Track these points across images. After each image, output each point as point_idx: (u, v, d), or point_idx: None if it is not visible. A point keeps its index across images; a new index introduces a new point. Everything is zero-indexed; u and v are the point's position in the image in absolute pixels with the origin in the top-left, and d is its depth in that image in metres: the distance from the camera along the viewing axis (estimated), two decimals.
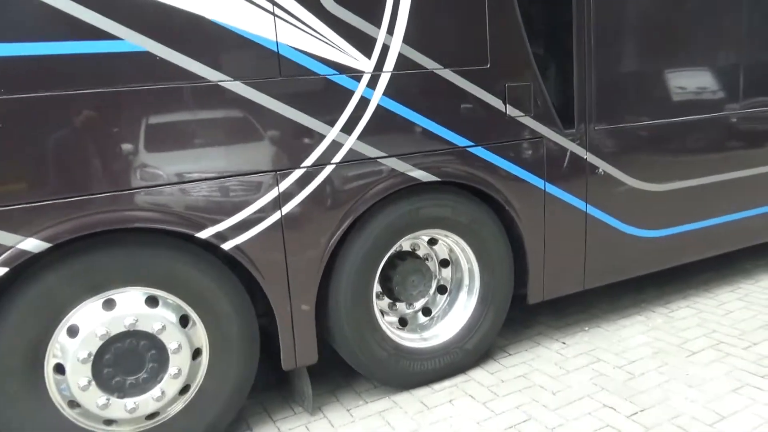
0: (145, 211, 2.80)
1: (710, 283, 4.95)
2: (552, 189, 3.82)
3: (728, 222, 4.58)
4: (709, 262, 4.86)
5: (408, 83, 3.29)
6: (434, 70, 3.34)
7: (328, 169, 3.15)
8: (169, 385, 2.99)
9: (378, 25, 3.14)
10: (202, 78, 2.82)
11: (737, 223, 4.63)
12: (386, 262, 3.54)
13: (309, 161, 3.10)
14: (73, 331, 2.81)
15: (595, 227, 4.03)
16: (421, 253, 3.77)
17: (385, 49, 3.18)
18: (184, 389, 3.07)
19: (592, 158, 3.92)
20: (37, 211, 2.60)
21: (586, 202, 3.96)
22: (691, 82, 4.33)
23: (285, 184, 3.06)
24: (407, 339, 3.67)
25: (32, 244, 2.61)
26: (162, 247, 2.92)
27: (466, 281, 3.80)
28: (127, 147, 2.75)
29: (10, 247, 2.58)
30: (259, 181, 3.01)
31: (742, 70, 4.42)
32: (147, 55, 2.70)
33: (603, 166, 3.97)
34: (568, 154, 3.84)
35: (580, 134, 3.86)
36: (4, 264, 2.58)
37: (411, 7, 3.21)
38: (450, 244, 3.72)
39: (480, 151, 3.54)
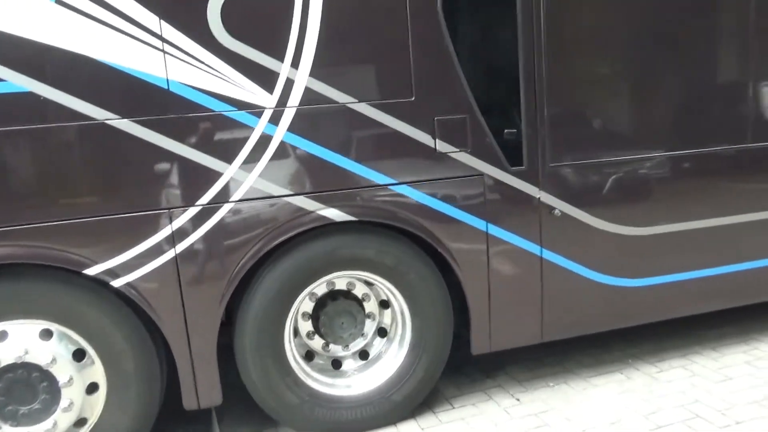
0: (30, 248, 2.71)
1: (723, 340, 4.11)
2: (496, 231, 3.32)
3: (733, 272, 3.76)
4: (737, 312, 4.01)
5: (316, 119, 2.99)
6: (347, 104, 3.00)
7: (226, 208, 2.92)
8: (61, 417, 2.88)
9: (280, 58, 2.88)
10: (89, 117, 2.70)
11: (745, 274, 3.79)
12: (318, 299, 3.23)
13: (204, 199, 2.89)
14: None
15: (554, 274, 3.45)
16: (358, 292, 3.41)
17: (289, 83, 2.91)
18: (80, 422, 2.95)
19: (546, 198, 3.37)
20: None
21: (541, 246, 3.40)
22: (670, 109, 3.62)
23: (179, 222, 2.87)
24: (326, 385, 3.32)
25: None
26: (58, 282, 2.82)
27: (398, 326, 3.39)
28: (13, 184, 2.68)
29: None
30: (151, 219, 2.84)
31: (742, 97, 3.64)
32: (30, 95, 2.62)
33: (561, 207, 3.40)
34: (516, 193, 3.32)
35: (530, 171, 3.33)
36: None
37: (319, 38, 2.91)
38: (379, 287, 3.33)
39: (404, 190, 3.15)
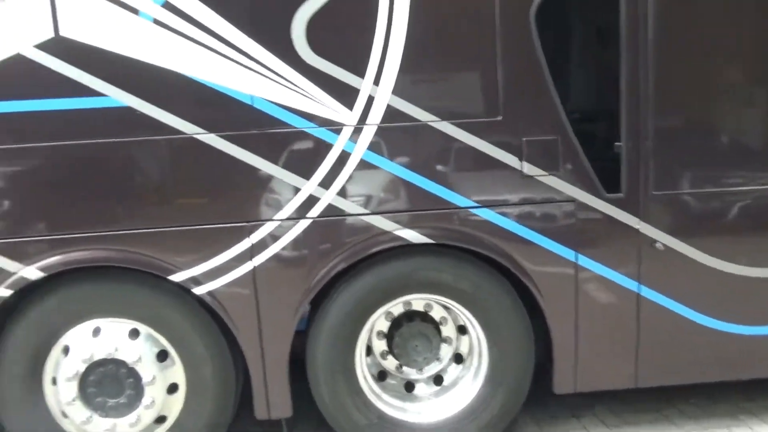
0: (123, 253, 2.84)
1: None
2: (587, 263, 3.00)
3: None
4: None
5: (397, 137, 2.87)
6: (429, 123, 2.85)
7: (302, 224, 2.88)
8: (143, 413, 3.00)
9: (362, 75, 2.79)
10: (179, 131, 2.78)
11: None
12: (395, 319, 3.14)
13: (282, 215, 2.87)
14: (66, 351, 2.97)
15: (653, 313, 3.06)
16: (436, 314, 3.24)
17: (370, 100, 2.81)
18: (160, 419, 3.06)
19: (647, 229, 2.99)
20: (34, 244, 2.80)
21: (638, 282, 3.03)
22: None
23: (257, 236, 2.87)
24: (396, 408, 3.19)
25: (31, 273, 2.82)
26: (147, 285, 2.94)
27: (474, 355, 3.18)
28: (110, 192, 2.82)
29: (13, 273, 2.82)
30: (231, 231, 2.87)
31: None
32: (128, 110, 2.74)
33: (664, 240, 3.00)
34: (612, 222, 2.98)
35: (630, 199, 2.97)
36: (9, 287, 2.83)
37: (403, 55, 2.78)
38: (456, 312, 3.14)
39: (486, 213, 2.93)
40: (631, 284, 3.03)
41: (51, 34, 2.67)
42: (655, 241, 2.99)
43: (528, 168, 2.90)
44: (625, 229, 2.98)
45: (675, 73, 2.89)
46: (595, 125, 3.16)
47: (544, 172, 2.91)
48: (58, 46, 2.67)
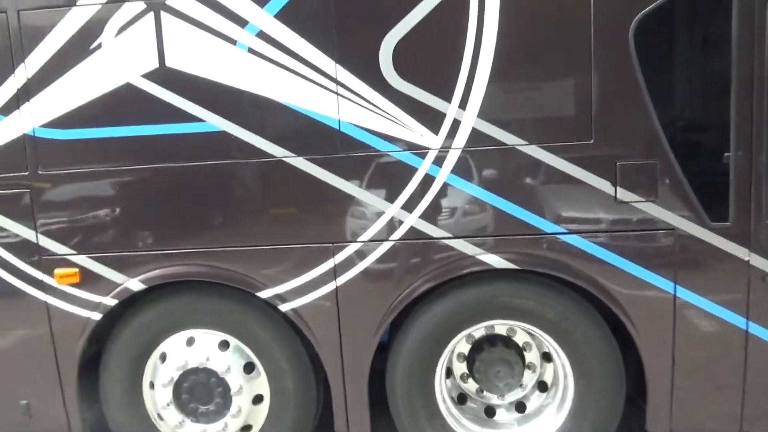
0: (215, 269, 2.96)
1: None
2: (688, 296, 2.76)
3: None
4: None
5: (482, 161, 2.79)
6: (516, 147, 2.74)
7: (385, 246, 2.87)
8: (230, 421, 3.11)
9: (448, 99, 2.73)
10: (269, 154, 2.85)
11: None
12: (476, 341, 3.06)
13: (366, 236, 2.87)
14: (163, 358, 3.14)
15: (764, 353, 2.76)
16: (519, 340, 3.12)
17: (456, 124, 2.75)
18: (246, 428, 3.15)
19: (759, 261, 2.71)
20: (138, 258, 2.98)
21: (747, 319, 2.75)
22: None
23: (340, 256, 2.89)
24: None
25: (134, 284, 3.01)
26: (237, 300, 3.05)
27: (560, 385, 3.02)
28: (206, 212, 2.95)
29: (119, 285, 3.02)
30: (316, 252, 2.91)
31: None
32: (223, 134, 2.85)
33: None
34: (717, 253, 2.72)
35: (739, 228, 2.70)
36: (115, 297, 3.03)
37: (489, 79, 2.70)
38: (541, 338, 3.00)
39: (576, 240, 2.78)
40: (738, 320, 2.76)
41: (156, 65, 2.82)
42: (767, 274, 2.70)
43: (622, 194, 2.72)
44: (732, 260, 2.72)
45: None
46: (701, 140, 2.90)
47: (640, 199, 2.71)
48: (163, 75, 2.82)
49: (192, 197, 2.93)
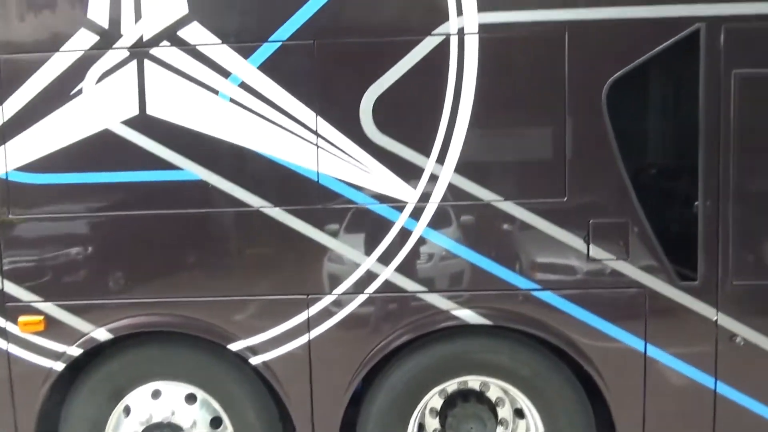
0: (185, 319, 2.88)
1: None
2: (658, 354, 2.78)
3: None
4: None
5: (459, 216, 2.81)
6: (492, 203, 2.77)
7: (360, 299, 2.84)
8: None
9: (426, 154, 2.77)
10: (246, 204, 2.83)
11: None
12: (449, 396, 3.00)
13: (341, 288, 2.84)
14: (127, 411, 3.00)
15: (732, 414, 2.78)
16: (492, 395, 3.07)
17: (433, 178, 2.78)
18: None
19: (726, 321, 2.74)
20: (105, 307, 2.89)
21: (715, 378, 2.77)
22: None
23: (315, 308, 2.85)
24: None
25: (101, 334, 2.90)
26: (206, 352, 2.95)
27: None
28: (177, 260, 2.89)
29: (85, 334, 2.91)
30: (290, 303, 2.86)
31: None
32: (201, 183, 2.83)
33: (746, 334, 2.74)
34: (686, 312, 2.76)
35: (707, 288, 2.74)
36: (80, 346, 2.91)
37: (466, 135, 2.75)
38: (514, 395, 2.96)
39: (549, 297, 2.79)
40: (706, 379, 2.77)
41: (137, 112, 2.81)
42: (735, 335, 2.73)
43: (594, 251, 2.75)
44: (701, 320, 2.75)
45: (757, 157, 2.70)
46: (671, 200, 2.97)
47: (611, 257, 2.75)
48: (143, 123, 2.80)
49: (165, 245, 2.88)
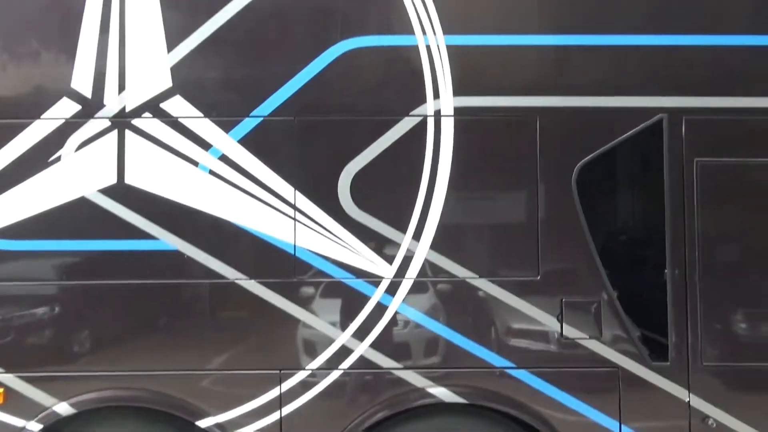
0: (152, 393, 2.78)
1: None
2: None
3: None
4: None
5: (434, 292, 2.81)
6: (467, 279, 2.79)
7: (334, 375, 2.78)
8: None
9: (403, 230, 2.79)
10: (222, 275, 2.79)
11: None
12: None
13: (315, 364, 2.79)
14: None
15: None
16: None
17: (409, 255, 2.79)
18: None
19: (698, 402, 2.75)
20: (69, 380, 2.78)
21: None
22: None
23: (287, 384, 2.78)
24: None
25: (63, 408, 2.77)
26: (174, 428, 2.84)
27: None
28: (146, 334, 2.83)
29: (46, 408, 2.77)
30: (262, 378, 2.79)
31: None
32: (177, 254, 2.80)
33: (717, 416, 2.74)
34: (659, 393, 2.76)
35: (678, 369, 2.76)
36: (40, 421, 2.77)
37: (443, 212, 2.79)
38: None
39: (524, 376, 2.77)
40: None
41: (115, 181, 2.80)
42: (707, 416, 2.73)
43: (568, 330, 2.76)
44: (673, 400, 2.75)
45: (724, 237, 2.78)
46: (641, 280, 3.02)
47: (584, 336, 2.76)
48: (121, 192, 2.79)
49: (136, 316, 2.81)
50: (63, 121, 2.83)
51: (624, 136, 2.81)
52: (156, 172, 2.81)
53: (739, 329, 2.81)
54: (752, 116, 2.82)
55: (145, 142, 2.83)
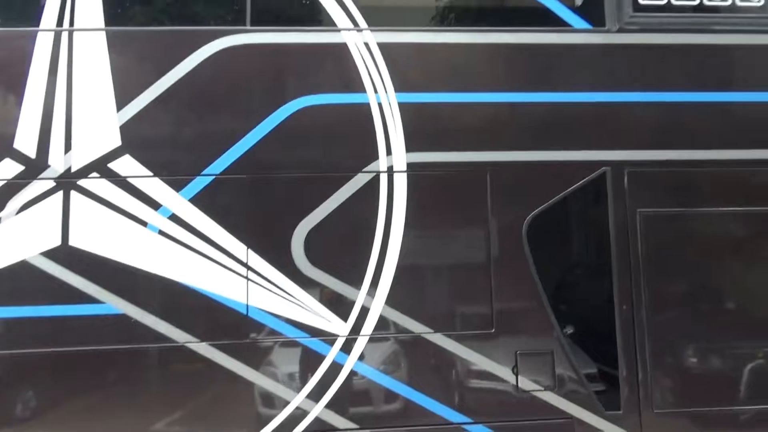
0: None
1: None
2: None
3: None
4: None
5: (389, 348, 2.78)
6: (422, 335, 2.77)
7: None
8: None
9: (357, 286, 2.77)
10: (171, 339, 2.70)
11: None
12: None
13: (269, 428, 2.70)
14: None
15: None
16: None
17: (364, 311, 2.77)
18: None
19: None
20: None
21: None
22: None
23: None
24: None
25: None
26: None
27: None
28: (88, 401, 2.69)
29: None
30: None
31: None
32: (123, 317, 2.69)
33: None
34: None
35: (630, 418, 2.79)
36: None
37: (397, 267, 2.79)
38: None
39: (481, 431, 2.74)
40: None
41: (59, 243, 2.70)
42: None
43: (523, 382, 2.77)
44: None
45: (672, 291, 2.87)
46: (591, 328, 3.08)
47: (539, 387, 2.77)
48: (65, 254, 2.69)
49: (80, 384, 2.68)
50: (4, 182, 2.72)
51: (571, 188, 2.89)
52: (102, 233, 2.72)
53: (688, 375, 2.87)
54: (689, 168, 2.95)
55: (91, 202, 2.75)
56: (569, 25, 3.00)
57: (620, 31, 2.99)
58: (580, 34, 3.00)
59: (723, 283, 2.96)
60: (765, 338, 2.93)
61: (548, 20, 2.99)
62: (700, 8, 3.03)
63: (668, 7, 3.02)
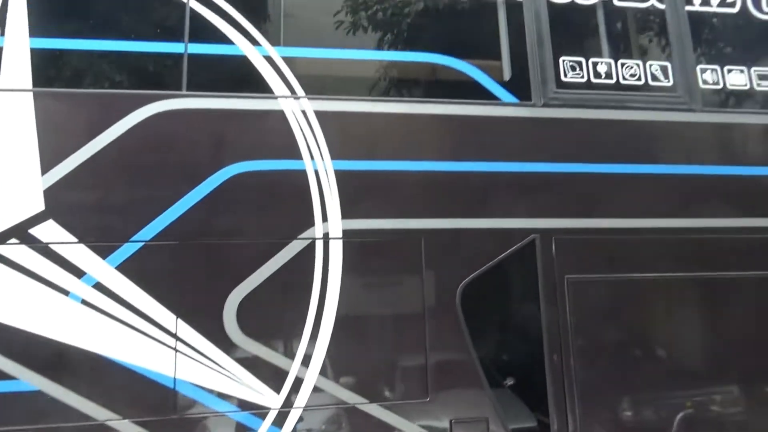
0: None
1: None
2: None
3: None
4: None
5: (324, 420, 2.71)
6: (357, 405, 2.72)
7: None
8: None
9: (291, 356, 2.71)
10: (90, 417, 2.53)
11: None
12: None
13: None
14: None
15: None
16: None
17: (298, 382, 2.70)
18: None
19: None
20: None
21: None
22: None
23: None
24: None
25: None
26: None
27: None
28: None
29: None
30: None
31: None
32: (39, 395, 2.51)
33: None
34: None
35: None
36: None
37: (332, 336, 2.75)
38: None
39: None
40: None
41: None
42: None
43: None
44: None
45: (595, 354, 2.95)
46: (519, 397, 3.11)
47: None
48: None
49: None
50: None
51: (502, 255, 2.97)
52: (17, 303, 2.56)
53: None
54: (614, 236, 3.09)
55: (7, 270, 2.59)
56: (498, 99, 3.14)
57: (545, 105, 3.16)
58: (508, 108, 3.15)
59: (645, 342, 3.08)
60: (688, 389, 3.04)
61: (478, 93, 3.12)
62: (617, 86, 3.26)
63: (589, 85, 3.23)
